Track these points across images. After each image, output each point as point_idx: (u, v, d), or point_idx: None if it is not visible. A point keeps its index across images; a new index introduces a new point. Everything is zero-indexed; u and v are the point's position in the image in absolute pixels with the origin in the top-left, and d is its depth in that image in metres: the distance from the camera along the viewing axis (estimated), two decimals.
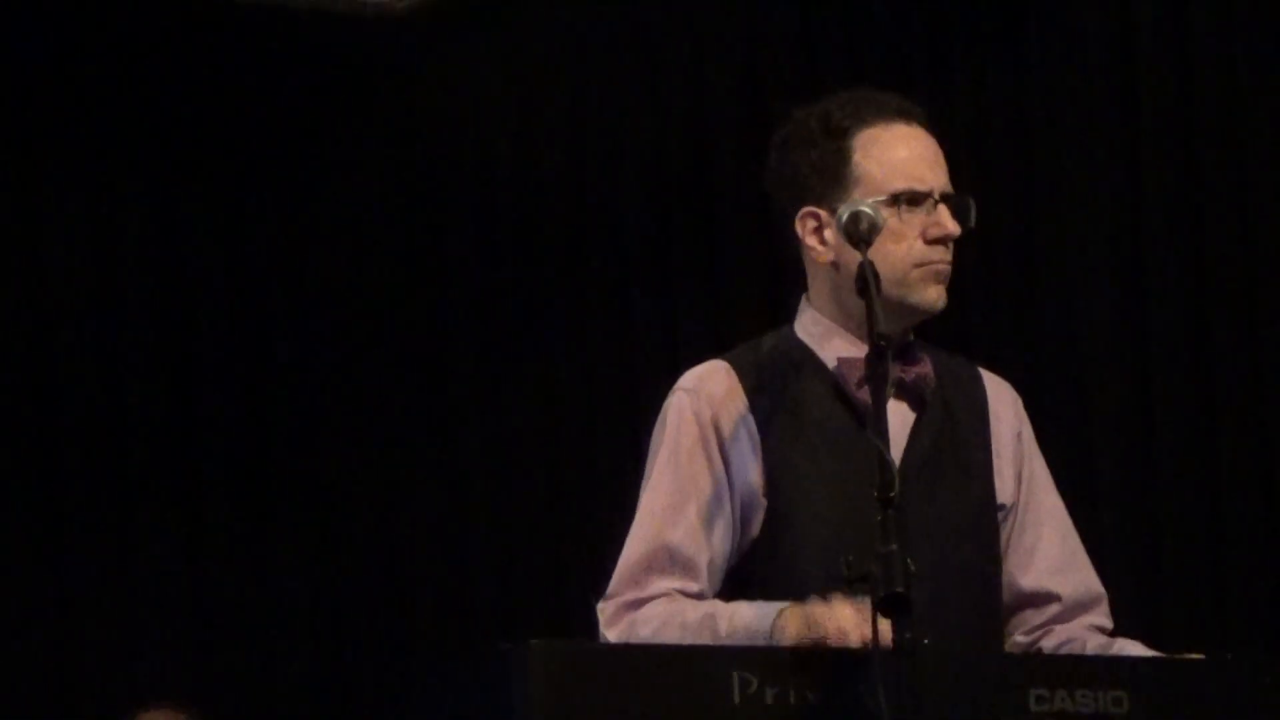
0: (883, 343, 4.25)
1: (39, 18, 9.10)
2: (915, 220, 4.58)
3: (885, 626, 3.97)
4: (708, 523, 4.68)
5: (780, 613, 4.33)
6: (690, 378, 4.75)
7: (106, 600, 8.96)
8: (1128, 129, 7.36)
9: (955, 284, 4.76)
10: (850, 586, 4.13)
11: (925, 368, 4.68)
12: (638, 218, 8.47)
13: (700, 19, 8.20)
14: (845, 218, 4.40)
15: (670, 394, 4.73)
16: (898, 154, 4.69)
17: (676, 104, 8.58)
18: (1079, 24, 7.57)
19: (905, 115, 4.72)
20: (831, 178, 4.65)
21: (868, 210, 4.41)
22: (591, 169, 8.73)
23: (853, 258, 4.49)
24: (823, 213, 4.61)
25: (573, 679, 4.10)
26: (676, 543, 4.63)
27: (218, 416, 9.38)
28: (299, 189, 9.32)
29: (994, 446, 4.79)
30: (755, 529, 4.63)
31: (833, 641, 4.14)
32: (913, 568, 4.11)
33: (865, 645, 4.04)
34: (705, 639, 4.49)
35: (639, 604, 4.66)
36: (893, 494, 4.14)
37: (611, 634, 4.63)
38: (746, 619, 4.44)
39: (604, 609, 4.65)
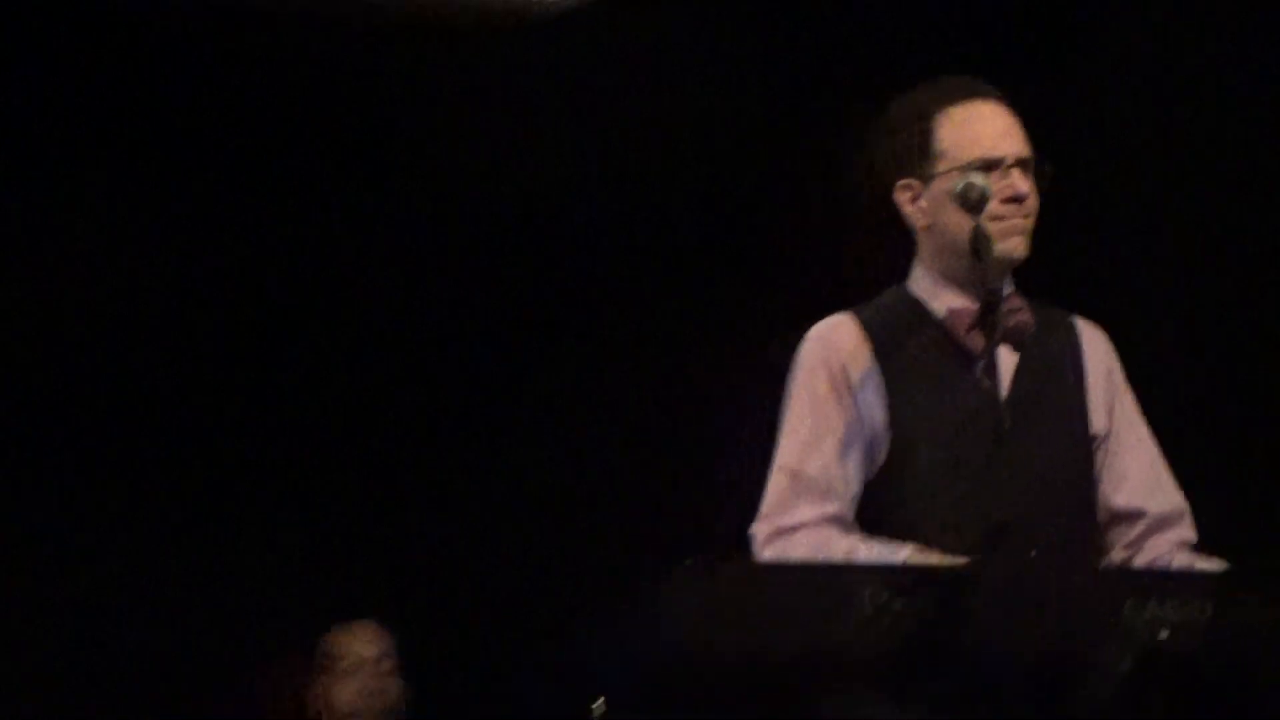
0: (993, 298, 4.67)
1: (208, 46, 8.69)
2: (993, 184, 4.85)
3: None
4: (842, 454, 4.95)
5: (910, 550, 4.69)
6: (819, 329, 5.04)
7: (309, 517, 8.80)
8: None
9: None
10: (973, 516, 4.57)
11: (1025, 315, 4.93)
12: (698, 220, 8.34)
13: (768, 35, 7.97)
14: (960, 187, 4.75)
15: (801, 344, 5.01)
16: (973, 128, 5.01)
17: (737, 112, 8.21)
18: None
19: (980, 94, 5.07)
20: (921, 153, 5.00)
21: (978, 181, 4.73)
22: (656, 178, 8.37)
23: (949, 220, 4.92)
24: (915, 183, 4.99)
25: (725, 594, 4.30)
26: (816, 472, 4.91)
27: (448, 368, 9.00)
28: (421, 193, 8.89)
29: (1087, 383, 5.06)
30: (881, 458, 4.92)
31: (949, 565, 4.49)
32: (1017, 481, 4.58)
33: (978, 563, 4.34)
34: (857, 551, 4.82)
35: (788, 529, 4.93)
36: (1000, 428, 4.62)
37: (766, 554, 4.92)
38: (882, 553, 4.74)
39: (756, 533, 4.93)
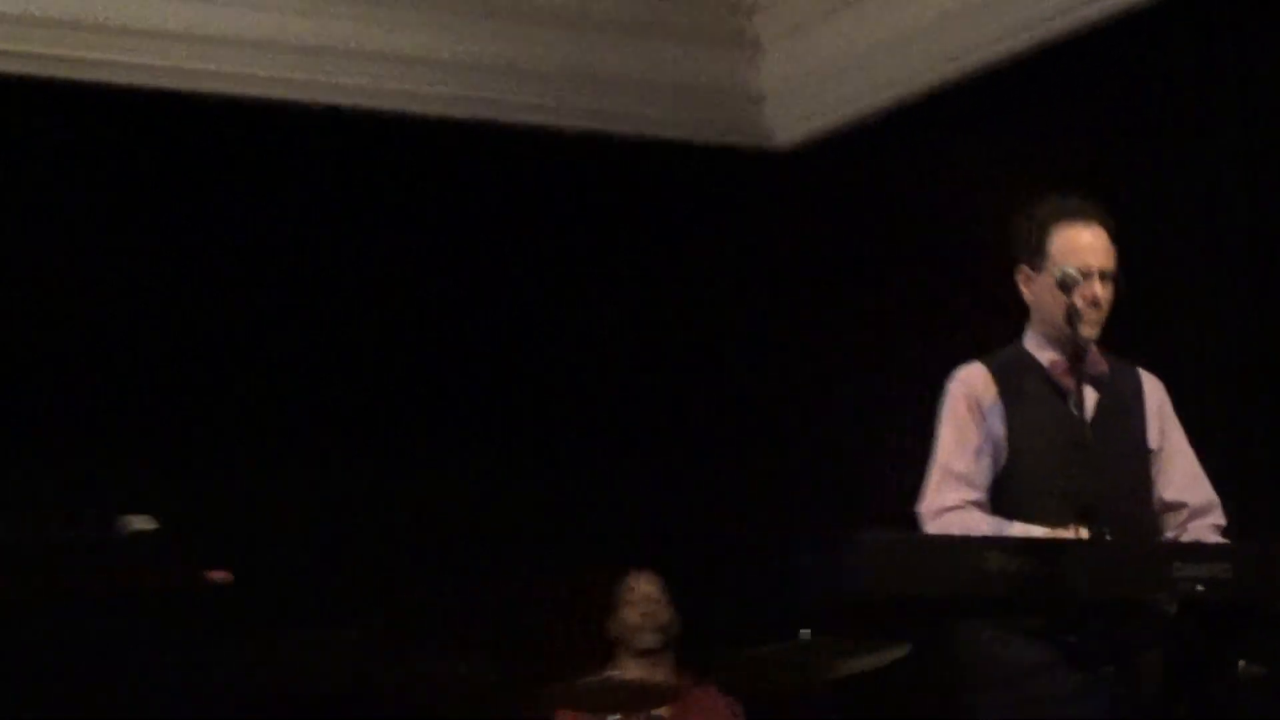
0: (1078, 354, 5.09)
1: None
2: (1080, 287, 5.19)
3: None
4: (977, 457, 5.33)
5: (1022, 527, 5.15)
6: (962, 373, 5.42)
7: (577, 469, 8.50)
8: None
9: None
10: (1066, 503, 4.87)
11: (1102, 366, 5.32)
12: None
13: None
14: (1060, 275, 5.14)
15: (948, 383, 5.41)
16: (1075, 243, 5.34)
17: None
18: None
19: (1086, 216, 5.36)
20: (1037, 251, 5.33)
21: (1072, 273, 5.12)
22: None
23: (1046, 301, 5.30)
24: (1030, 270, 5.34)
25: (900, 552, 4.63)
26: (961, 470, 5.31)
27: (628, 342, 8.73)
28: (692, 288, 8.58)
29: (1146, 413, 5.42)
30: (1002, 461, 5.29)
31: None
32: (1100, 481, 4.84)
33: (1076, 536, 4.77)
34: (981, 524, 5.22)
35: (944, 510, 5.29)
36: (1085, 443, 4.99)
37: (930, 527, 5.32)
38: (1004, 527, 5.18)
39: (923, 511, 5.33)
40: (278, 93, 7.76)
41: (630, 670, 7.42)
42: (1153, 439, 5.41)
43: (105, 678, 5.81)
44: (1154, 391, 5.47)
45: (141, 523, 5.58)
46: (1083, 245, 5.34)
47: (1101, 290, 5.26)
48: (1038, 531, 5.08)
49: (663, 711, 7.18)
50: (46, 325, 7.67)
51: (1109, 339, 5.38)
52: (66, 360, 7.64)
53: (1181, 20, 7.23)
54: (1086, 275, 5.22)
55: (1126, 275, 5.45)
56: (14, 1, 7.29)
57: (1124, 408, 5.40)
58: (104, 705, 5.93)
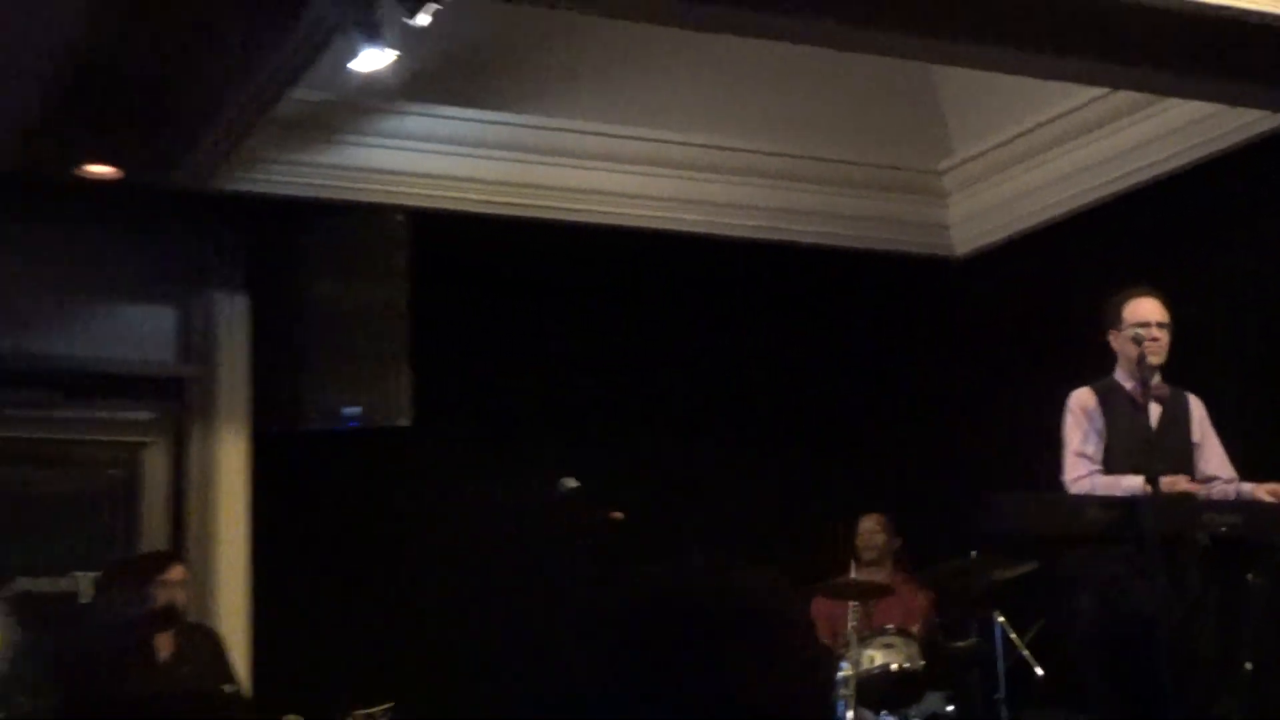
0: (1145, 381, 5.49)
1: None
2: (1144, 335, 5.48)
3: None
4: (1096, 445, 5.55)
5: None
6: (1075, 392, 5.70)
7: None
8: None
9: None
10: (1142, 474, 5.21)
11: (1163, 390, 5.66)
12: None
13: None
14: (1130, 336, 5.51)
15: (1068, 401, 5.71)
16: (1137, 310, 5.61)
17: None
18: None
19: (1144, 294, 5.66)
20: (1116, 319, 5.64)
21: (1137, 334, 5.47)
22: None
23: (1128, 349, 5.56)
24: (1115, 332, 5.65)
25: (1030, 509, 5.27)
26: (1085, 451, 5.54)
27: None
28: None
29: (1191, 420, 5.70)
30: (1101, 448, 5.56)
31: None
32: (1160, 463, 5.23)
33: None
34: (1114, 490, 5.37)
35: (1079, 479, 5.49)
36: (1151, 439, 5.48)
37: (1073, 489, 5.48)
38: (1131, 484, 5.30)
39: (1066, 482, 5.55)
40: (652, 225, 7.97)
41: (861, 574, 7.49)
42: (1195, 436, 5.69)
43: (553, 579, 6.35)
44: (1196, 406, 5.77)
45: (571, 482, 6.08)
46: (1143, 309, 5.61)
47: (1158, 333, 5.53)
48: (1138, 481, 5.25)
49: (881, 601, 7.19)
50: (554, 379, 7.99)
51: (1169, 376, 5.75)
52: (549, 397, 7.97)
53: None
54: (1144, 326, 5.53)
55: (1178, 340, 5.72)
56: (501, 169, 7.58)
57: (1177, 417, 5.69)
58: (552, 599, 6.63)
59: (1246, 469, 5.85)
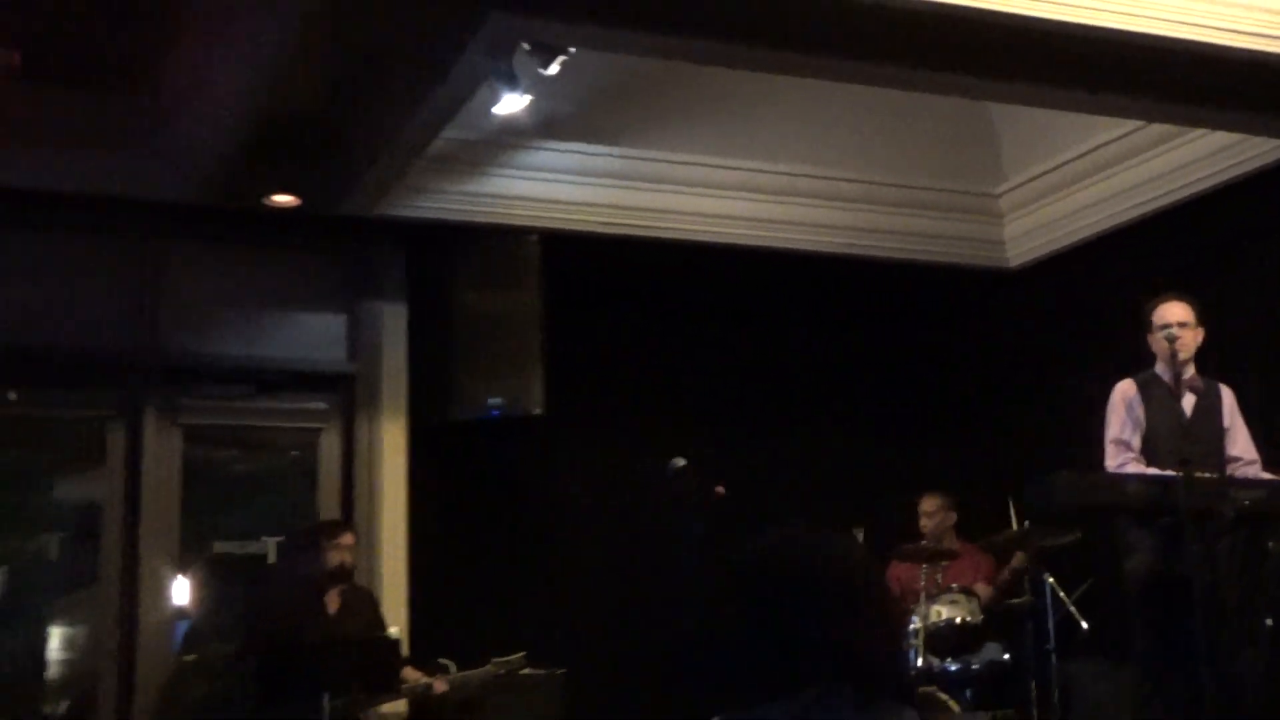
0: (1178, 374, 5.43)
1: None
2: (1173, 333, 5.40)
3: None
4: (1133, 433, 5.48)
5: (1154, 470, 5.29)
6: (1118, 384, 5.61)
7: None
8: None
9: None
10: (1175, 458, 5.11)
11: (1196, 381, 5.57)
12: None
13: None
14: (1161, 335, 5.47)
15: (1113, 390, 5.62)
16: (1165, 314, 5.55)
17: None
18: None
19: (1173, 299, 5.60)
20: (1148, 322, 5.58)
21: (1166, 334, 5.42)
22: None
23: (1161, 346, 5.49)
24: (1150, 334, 5.59)
25: (1080, 487, 5.17)
26: (1124, 439, 5.48)
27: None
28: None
29: (1222, 408, 5.57)
30: (1141, 435, 5.48)
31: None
32: (1193, 446, 5.18)
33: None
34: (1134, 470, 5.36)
35: (1119, 466, 5.42)
36: (1186, 425, 5.41)
37: (1112, 467, 5.43)
38: (1151, 472, 5.29)
39: (1108, 466, 5.46)
40: (747, 242, 7.79)
41: (929, 540, 7.37)
42: (1225, 421, 5.58)
43: (666, 544, 6.25)
44: (1227, 395, 5.66)
45: (680, 462, 6.09)
46: (1169, 312, 5.56)
47: (1180, 332, 5.44)
48: (1167, 474, 5.20)
49: (948, 564, 7.18)
50: (665, 373, 7.91)
51: (1203, 368, 5.69)
52: (661, 388, 7.87)
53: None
54: (1170, 327, 5.47)
55: (1210, 338, 5.67)
56: (618, 195, 7.49)
57: (1210, 405, 5.58)
58: (665, 560, 6.35)
59: (1270, 452, 5.77)
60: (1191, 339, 5.51)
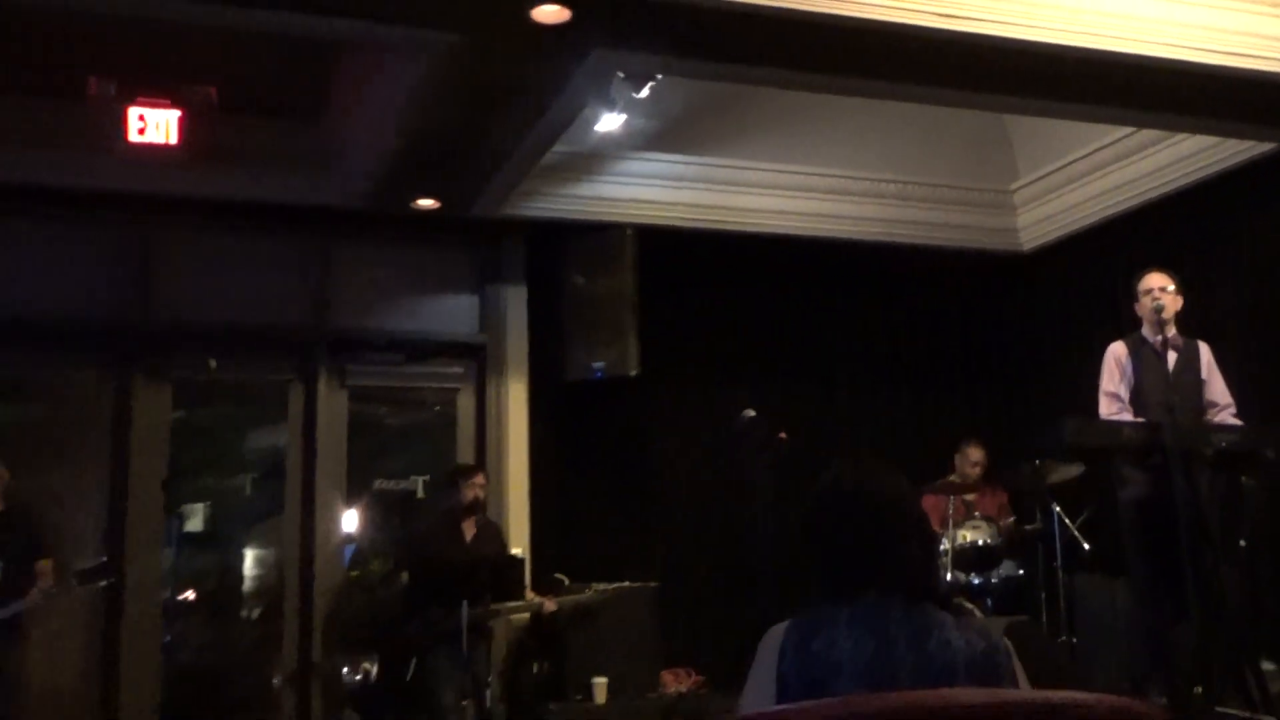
0: (1163, 333, 5.27)
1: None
2: (1157, 299, 5.29)
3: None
4: (1123, 386, 5.29)
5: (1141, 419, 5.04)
6: (1111, 345, 5.39)
7: None
8: None
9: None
10: (1162, 407, 4.91)
11: (1179, 340, 5.35)
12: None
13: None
14: (1145, 300, 5.30)
15: (1107, 350, 5.39)
16: (1149, 281, 5.38)
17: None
18: None
19: (1155, 269, 5.44)
20: (1135, 291, 5.41)
21: (1151, 299, 5.28)
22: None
23: (1146, 310, 5.32)
24: (1136, 302, 5.40)
25: (1083, 434, 4.95)
26: (1115, 392, 5.29)
27: None
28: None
29: (1201, 362, 5.37)
30: (1131, 387, 5.27)
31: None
32: (1176, 396, 5.00)
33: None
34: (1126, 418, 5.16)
35: (1110, 415, 5.25)
36: (1169, 378, 5.24)
37: (1104, 415, 5.23)
38: (1134, 418, 5.12)
39: (1102, 413, 5.29)
40: (805, 233, 7.67)
41: (959, 476, 7.19)
42: (1204, 374, 5.39)
43: (741, 480, 6.32)
44: (1204, 351, 5.44)
45: (750, 413, 6.00)
46: (1150, 280, 5.39)
47: (1160, 296, 5.29)
48: (1139, 420, 5.11)
49: (971, 496, 7.06)
50: (737, 340, 7.79)
51: (1184, 329, 5.47)
52: (735, 352, 7.78)
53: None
54: (1151, 292, 5.33)
55: (1192, 303, 5.54)
56: (697, 196, 7.40)
57: (1190, 360, 5.40)
58: (740, 493, 6.49)
59: (1244, 402, 5.61)
60: (1172, 303, 5.35)
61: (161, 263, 6.91)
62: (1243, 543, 5.45)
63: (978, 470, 7.30)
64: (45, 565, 5.28)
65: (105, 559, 5.89)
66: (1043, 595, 6.36)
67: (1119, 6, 5.24)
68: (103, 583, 5.46)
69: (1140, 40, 5.29)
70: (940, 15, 4.95)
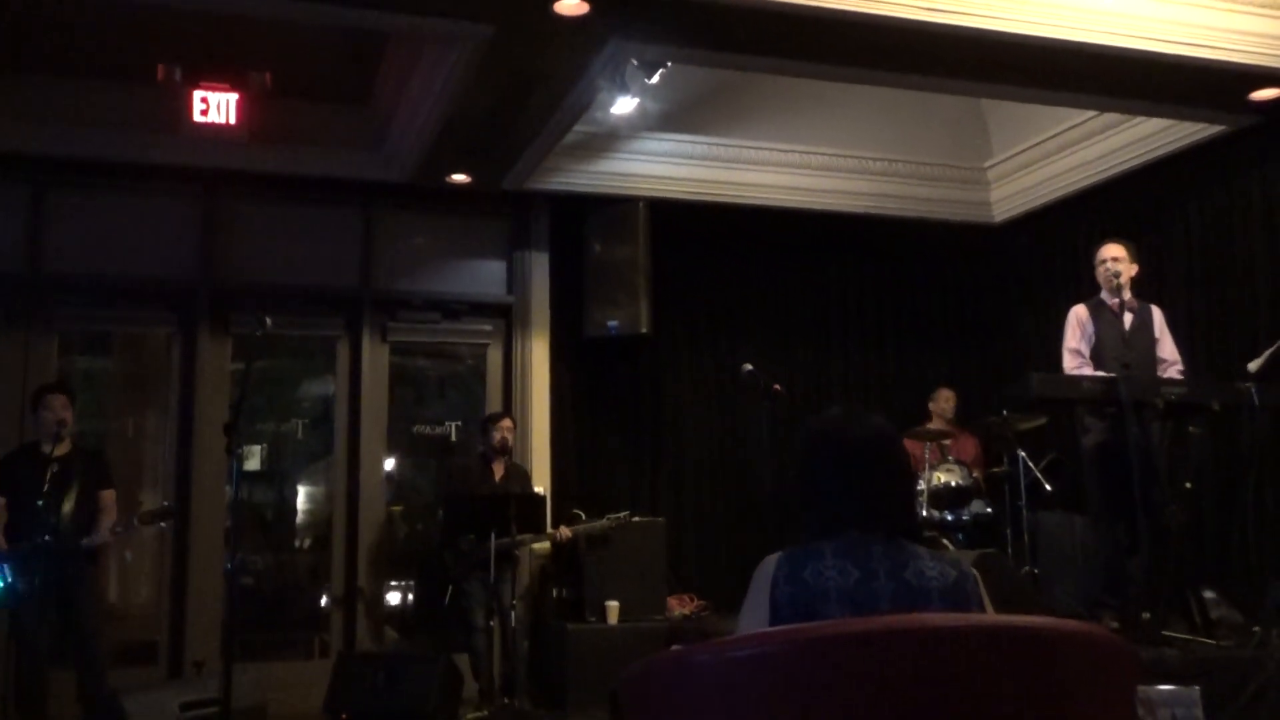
0: (1119, 298, 5.17)
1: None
2: (1111, 267, 5.18)
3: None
4: (1086, 342, 5.18)
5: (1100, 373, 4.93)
6: (1073, 308, 5.28)
7: None
8: None
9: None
10: (1118, 363, 4.90)
11: (1134, 303, 5.22)
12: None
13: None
14: (1100, 266, 5.17)
15: (1069, 313, 5.25)
16: (1105, 251, 5.26)
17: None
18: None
19: (1112, 240, 5.32)
20: (1096, 259, 5.28)
21: (1105, 266, 5.18)
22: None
23: (1103, 277, 5.19)
24: (1097, 266, 5.26)
25: (1048, 387, 4.75)
26: (1078, 348, 5.20)
27: None
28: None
29: (1154, 323, 5.26)
30: (1091, 344, 5.18)
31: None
32: (1131, 353, 5.03)
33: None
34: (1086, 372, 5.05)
35: (1075, 368, 5.14)
36: (1125, 337, 5.17)
37: (1068, 373, 5.07)
38: (1095, 372, 4.98)
39: (1066, 368, 5.19)
40: (799, 205, 7.44)
41: (932, 425, 7.14)
42: (1156, 333, 5.30)
43: (741, 426, 6.39)
44: (1157, 314, 5.35)
45: (748, 366, 5.85)
46: (1106, 250, 5.28)
47: (1113, 265, 5.18)
48: (1100, 374, 4.98)
49: (946, 442, 6.94)
50: (738, 302, 7.68)
51: (1140, 294, 5.36)
52: (735, 313, 7.64)
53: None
54: (1106, 261, 5.22)
55: (1148, 270, 5.50)
56: (703, 172, 7.23)
57: (1144, 321, 5.31)
58: (741, 438, 6.60)
59: (1190, 357, 5.62)
60: (1127, 271, 5.24)
61: (224, 230, 6.90)
62: (1189, 484, 5.49)
63: (949, 405, 7.21)
64: (109, 496, 5.32)
65: (167, 504, 5.92)
66: (1008, 531, 6.33)
67: (1083, 2, 5.16)
68: (163, 524, 5.50)
69: (1102, 31, 5.23)
70: (923, 9, 4.92)
